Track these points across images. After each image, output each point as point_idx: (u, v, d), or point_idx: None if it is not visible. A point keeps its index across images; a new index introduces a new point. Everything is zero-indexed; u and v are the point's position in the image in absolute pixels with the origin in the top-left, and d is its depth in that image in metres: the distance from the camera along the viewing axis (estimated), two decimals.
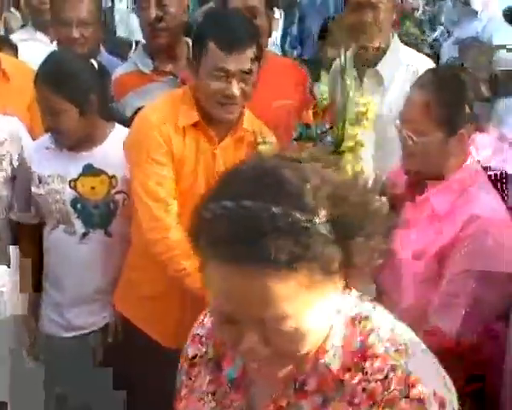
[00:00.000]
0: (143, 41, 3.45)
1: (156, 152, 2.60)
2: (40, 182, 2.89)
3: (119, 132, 2.88)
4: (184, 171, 2.66)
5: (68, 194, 2.85)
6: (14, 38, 4.47)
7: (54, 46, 4.06)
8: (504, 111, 3.88)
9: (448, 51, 4.29)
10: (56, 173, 2.87)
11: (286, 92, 2.90)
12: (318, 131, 2.58)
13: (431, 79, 2.44)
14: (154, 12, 3.15)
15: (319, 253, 1.11)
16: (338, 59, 3.04)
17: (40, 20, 4.41)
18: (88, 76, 2.82)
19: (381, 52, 3.13)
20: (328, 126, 2.59)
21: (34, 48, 4.17)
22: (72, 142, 2.84)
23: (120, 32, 5.81)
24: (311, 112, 2.65)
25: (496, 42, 4.14)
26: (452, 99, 2.36)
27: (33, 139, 3.04)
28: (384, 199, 1.30)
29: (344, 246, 1.15)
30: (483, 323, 2.34)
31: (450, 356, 2.26)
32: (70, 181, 2.85)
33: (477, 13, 4.33)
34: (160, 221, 2.59)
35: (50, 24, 3.65)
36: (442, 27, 5.49)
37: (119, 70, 3.30)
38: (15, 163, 2.97)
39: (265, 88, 2.75)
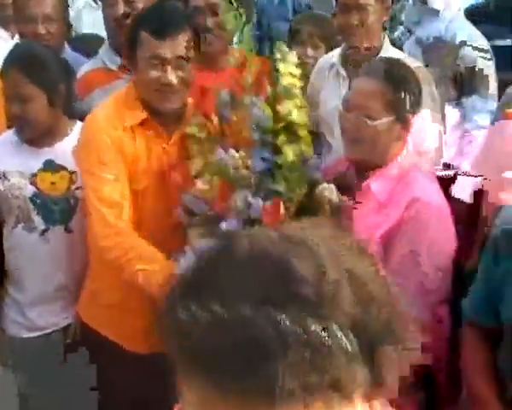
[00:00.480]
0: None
1: (106, 155, 2.59)
2: (0, 178, 2.86)
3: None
4: (138, 171, 2.64)
5: (29, 190, 2.84)
6: None
7: (14, 42, 4.01)
8: (469, 109, 3.93)
9: (409, 50, 4.31)
10: (17, 169, 2.85)
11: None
12: (248, 102, 2.45)
13: (380, 66, 2.53)
14: (121, 8, 3.15)
15: (340, 376, 0.81)
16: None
17: (0, 16, 4.33)
18: (57, 67, 2.84)
19: (374, 53, 3.14)
20: (261, 98, 2.44)
21: None
22: (36, 133, 2.82)
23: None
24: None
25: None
26: (400, 86, 2.46)
27: None
28: None
29: (369, 359, 0.84)
30: (430, 305, 2.44)
31: None
32: (30, 176, 2.83)
33: (438, 12, 4.36)
34: (114, 227, 2.57)
35: (14, 20, 3.62)
36: (402, 27, 5.54)
37: (85, 67, 3.30)
38: None
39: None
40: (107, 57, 3.24)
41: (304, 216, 2.33)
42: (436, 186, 2.57)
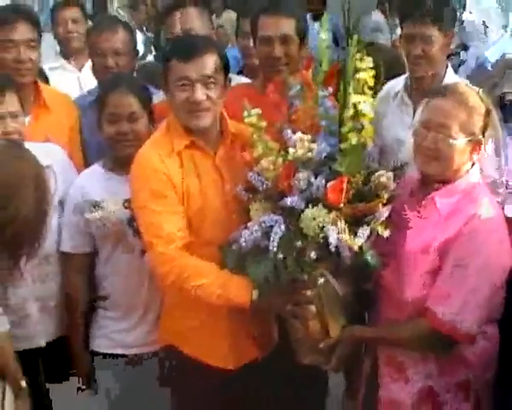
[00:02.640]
0: None
1: (154, 188, 2.74)
2: (94, 207, 3.00)
3: None
4: (191, 194, 2.79)
5: (124, 214, 2.98)
6: (43, 66, 4.62)
7: (81, 74, 4.24)
8: None
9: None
10: (110, 197, 3.00)
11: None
12: (321, 93, 2.65)
13: (455, 89, 2.65)
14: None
15: None
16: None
17: (68, 49, 4.57)
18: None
19: (438, 81, 3.25)
20: (330, 90, 2.65)
21: (63, 76, 4.32)
22: (135, 150, 2.88)
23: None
24: (310, 72, 2.74)
25: None
26: (473, 109, 2.60)
27: None
28: None
29: None
30: (478, 318, 2.54)
31: (443, 343, 2.56)
32: (123, 202, 2.97)
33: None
34: (165, 254, 2.72)
35: (89, 54, 3.82)
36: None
37: (156, 98, 3.47)
38: (61, 191, 3.05)
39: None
40: None
41: (361, 200, 2.53)
42: (497, 205, 2.72)
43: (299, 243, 2.51)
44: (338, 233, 2.47)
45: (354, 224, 2.53)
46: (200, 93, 2.73)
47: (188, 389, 2.94)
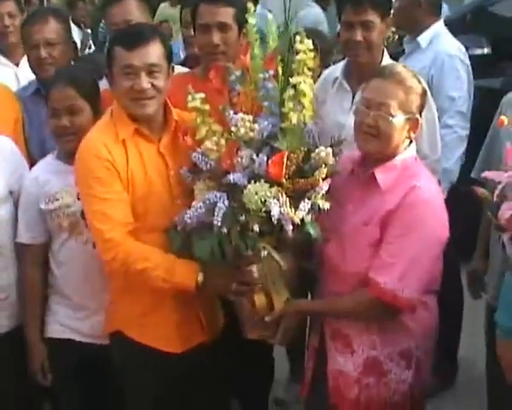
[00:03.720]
0: None
1: (99, 175, 2.77)
2: (49, 198, 3.02)
3: None
4: (136, 181, 2.82)
5: (78, 206, 2.98)
6: None
7: (18, 69, 4.22)
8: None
9: None
10: (63, 189, 3.01)
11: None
12: (262, 75, 2.73)
13: (393, 71, 2.74)
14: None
15: None
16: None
17: (4, 44, 4.52)
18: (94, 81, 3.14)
19: (376, 66, 3.22)
20: (271, 73, 2.73)
21: (1, 71, 4.28)
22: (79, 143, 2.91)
23: None
24: (248, 56, 2.81)
25: None
26: (411, 89, 2.69)
27: None
28: None
29: None
30: (418, 286, 2.64)
31: (386, 312, 2.65)
32: (78, 193, 2.96)
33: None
34: (111, 241, 2.76)
35: (23, 48, 3.82)
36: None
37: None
38: (11, 182, 3.08)
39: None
40: None
41: (302, 176, 2.63)
42: (434, 179, 2.83)
43: (242, 218, 2.59)
44: (280, 207, 2.56)
45: (296, 198, 2.61)
46: (145, 81, 2.76)
47: (137, 374, 2.96)
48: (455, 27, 4.92)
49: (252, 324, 2.81)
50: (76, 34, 8.12)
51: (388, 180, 2.69)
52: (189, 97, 2.73)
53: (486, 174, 2.77)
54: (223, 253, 2.64)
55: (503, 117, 2.73)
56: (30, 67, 3.77)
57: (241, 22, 3.15)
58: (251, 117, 2.67)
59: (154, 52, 2.79)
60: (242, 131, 2.63)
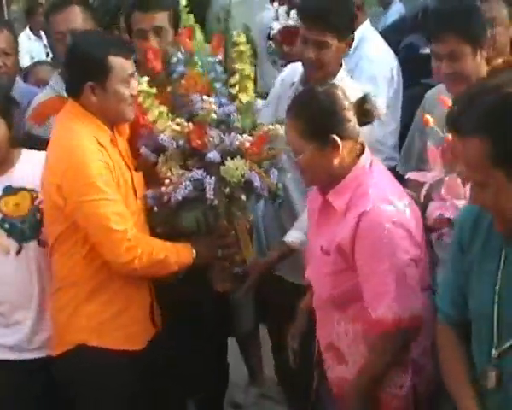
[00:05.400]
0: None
1: (106, 176, 2.87)
2: None
3: (28, 154, 3.12)
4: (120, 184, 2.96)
5: None
6: None
7: None
8: None
9: None
10: None
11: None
12: (212, 59, 3.10)
13: (295, 105, 2.69)
14: None
15: None
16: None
17: None
18: (5, 98, 3.10)
19: (330, 78, 3.16)
20: (220, 58, 3.12)
21: None
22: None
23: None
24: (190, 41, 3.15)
25: None
26: (312, 114, 2.60)
27: None
28: None
29: None
30: (413, 299, 2.58)
31: (400, 338, 2.61)
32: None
33: None
34: (135, 238, 2.88)
35: None
36: None
37: (40, 96, 3.51)
38: None
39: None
40: (59, 86, 3.43)
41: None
42: (390, 188, 2.67)
43: (227, 190, 2.97)
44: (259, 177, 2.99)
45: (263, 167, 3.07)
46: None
47: (107, 380, 2.98)
48: (408, 27, 4.94)
49: (221, 278, 3.18)
50: (33, 43, 8.10)
51: (342, 204, 2.63)
52: (136, 82, 2.97)
53: (410, 175, 2.84)
54: (207, 219, 3.02)
55: (428, 116, 2.75)
56: None
57: (176, 23, 3.31)
58: (212, 99, 2.99)
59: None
60: (208, 113, 2.97)
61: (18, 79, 3.90)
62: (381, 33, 4.80)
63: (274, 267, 3.26)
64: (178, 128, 2.99)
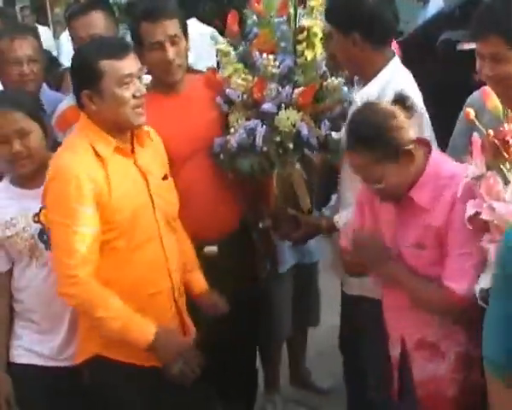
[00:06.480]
0: None
1: (75, 203, 2.69)
2: (7, 226, 2.96)
3: None
4: (120, 200, 2.77)
5: (34, 228, 2.95)
6: None
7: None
8: None
9: None
10: (20, 213, 2.96)
11: (211, 105, 3.32)
12: (277, 20, 3.24)
13: (353, 137, 2.71)
14: None
15: None
16: None
17: None
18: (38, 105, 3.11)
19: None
20: (285, 18, 3.24)
21: None
22: (34, 165, 2.92)
23: None
24: (261, 4, 3.29)
25: None
26: (378, 137, 2.62)
27: None
28: None
29: None
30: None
31: (452, 311, 2.66)
32: (33, 216, 2.94)
33: None
34: (75, 277, 2.71)
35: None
36: None
37: (64, 103, 3.47)
38: None
39: (194, 104, 3.26)
40: None
41: (320, 101, 3.23)
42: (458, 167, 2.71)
43: (277, 138, 3.17)
44: (307, 127, 3.16)
45: (317, 121, 3.23)
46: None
47: (122, 391, 2.93)
48: (445, 22, 4.83)
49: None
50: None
51: (426, 197, 2.67)
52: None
53: None
54: (261, 165, 3.21)
55: (469, 110, 2.61)
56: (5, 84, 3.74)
57: (185, 30, 3.28)
58: (273, 56, 3.18)
59: (135, 61, 2.84)
60: (268, 69, 3.18)
61: (44, 85, 3.85)
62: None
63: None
64: (243, 83, 3.19)
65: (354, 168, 2.72)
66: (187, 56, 3.31)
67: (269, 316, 3.87)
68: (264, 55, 3.18)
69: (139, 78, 2.79)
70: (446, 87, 4.22)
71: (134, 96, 2.76)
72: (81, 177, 2.69)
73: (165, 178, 3.00)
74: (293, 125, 3.14)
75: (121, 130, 2.82)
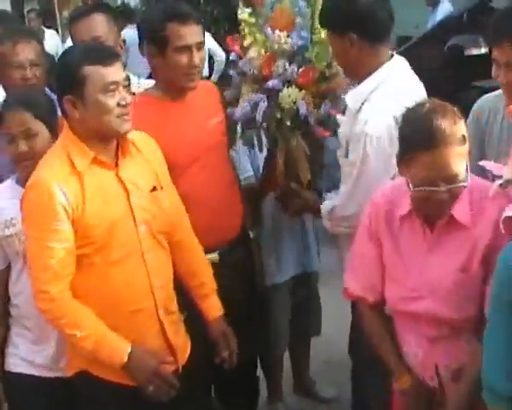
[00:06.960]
0: None
1: (49, 218, 2.63)
2: (6, 225, 2.92)
3: None
4: (97, 214, 2.68)
5: None
6: None
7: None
8: None
9: None
10: (20, 214, 2.83)
11: (215, 111, 3.33)
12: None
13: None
14: None
15: None
16: None
17: None
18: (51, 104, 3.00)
19: None
20: None
21: None
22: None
23: None
24: None
25: None
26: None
27: None
28: None
29: None
30: None
31: None
32: None
33: None
34: (47, 293, 2.65)
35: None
36: None
37: None
38: None
39: (197, 111, 3.24)
40: None
41: (324, 82, 3.26)
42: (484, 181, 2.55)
43: (278, 115, 3.22)
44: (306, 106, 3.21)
45: (319, 100, 3.27)
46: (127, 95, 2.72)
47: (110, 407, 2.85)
48: (452, 27, 4.79)
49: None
50: None
51: (466, 214, 2.46)
52: (239, 10, 3.27)
53: (485, 164, 2.56)
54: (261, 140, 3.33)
55: None
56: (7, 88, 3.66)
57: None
58: (285, 33, 3.24)
59: (120, 68, 2.72)
60: (277, 46, 3.23)
61: (46, 89, 3.81)
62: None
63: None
64: (256, 55, 3.27)
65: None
66: (204, 66, 3.30)
67: (266, 326, 3.82)
68: (277, 31, 3.22)
69: (125, 87, 2.70)
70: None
71: (119, 105, 2.65)
72: (53, 191, 2.62)
73: (154, 189, 2.86)
74: (294, 103, 3.19)
75: (105, 139, 2.72)
